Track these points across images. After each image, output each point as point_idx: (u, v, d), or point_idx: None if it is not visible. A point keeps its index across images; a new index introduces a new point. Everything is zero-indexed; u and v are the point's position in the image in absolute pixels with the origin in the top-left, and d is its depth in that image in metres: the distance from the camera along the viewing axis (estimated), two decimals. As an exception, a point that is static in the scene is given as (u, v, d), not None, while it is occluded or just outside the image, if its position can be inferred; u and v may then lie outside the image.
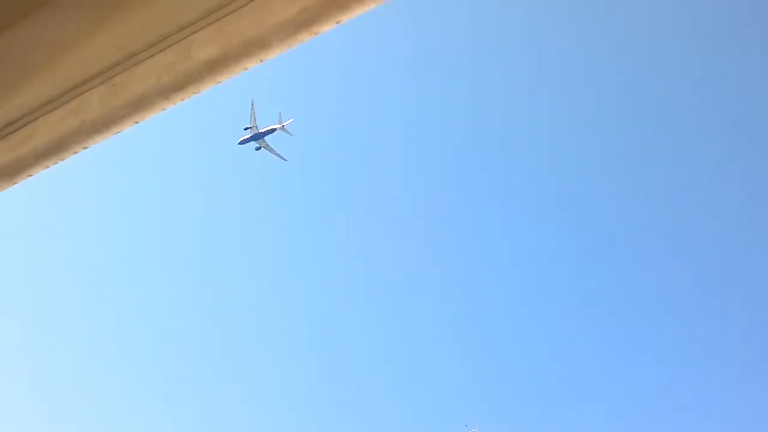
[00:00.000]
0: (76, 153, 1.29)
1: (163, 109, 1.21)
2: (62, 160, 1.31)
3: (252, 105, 44.88)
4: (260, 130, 45.99)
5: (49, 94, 1.31)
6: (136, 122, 1.23)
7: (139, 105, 1.22)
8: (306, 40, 1.20)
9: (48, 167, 1.32)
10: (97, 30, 1.29)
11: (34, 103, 1.32)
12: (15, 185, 1.38)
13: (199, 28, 1.25)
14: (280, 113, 46.70)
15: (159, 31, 1.24)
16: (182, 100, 1.22)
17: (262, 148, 46.99)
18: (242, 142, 47.54)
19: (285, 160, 48.01)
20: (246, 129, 45.98)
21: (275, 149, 47.25)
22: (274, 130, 46.30)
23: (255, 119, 45.72)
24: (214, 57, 1.23)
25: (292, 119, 47.99)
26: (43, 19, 1.38)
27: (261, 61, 1.25)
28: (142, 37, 1.25)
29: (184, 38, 1.24)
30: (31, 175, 1.34)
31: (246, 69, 1.25)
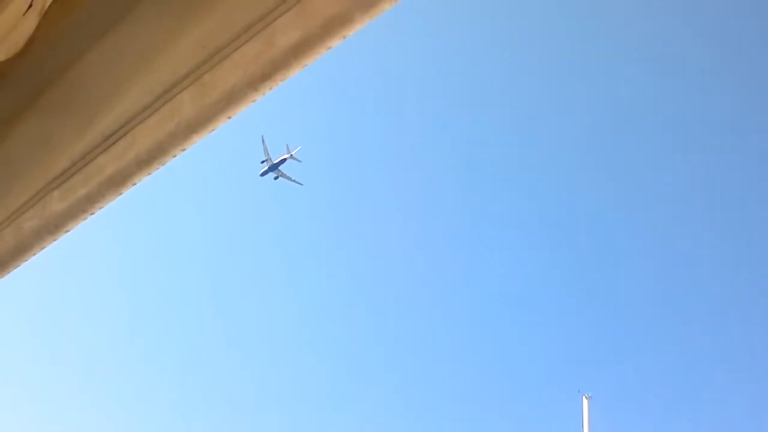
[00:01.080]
0: (175, 156, 1.32)
1: (254, 101, 1.22)
2: (163, 164, 1.34)
3: (263, 140, 50.99)
4: (274, 162, 52.03)
5: (142, 101, 1.34)
6: (229, 117, 1.25)
7: (230, 100, 1.24)
8: (387, 9, 1.18)
9: (150, 173, 1.36)
10: (180, 32, 1.32)
11: (129, 112, 1.36)
12: (121, 195, 1.43)
13: (280, 14, 1.26)
14: (287, 145, 52.39)
15: (241, 24, 1.26)
16: (270, 88, 1.23)
17: (280, 177, 52.95)
18: (263, 174, 53.25)
19: (301, 184, 53.98)
20: (262, 162, 51.99)
21: (291, 176, 53.23)
22: (285, 159, 51.97)
23: (268, 152, 51.65)
24: (297, 41, 1.24)
25: (299, 147, 53.02)
26: (127, 30, 1.42)
27: (344, 37, 1.25)
28: (224, 32, 1.27)
29: (267, 26, 1.25)
30: (135, 184, 1.38)
31: (330, 48, 1.25)
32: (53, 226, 1.49)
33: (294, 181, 53.61)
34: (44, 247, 1.54)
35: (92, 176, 1.39)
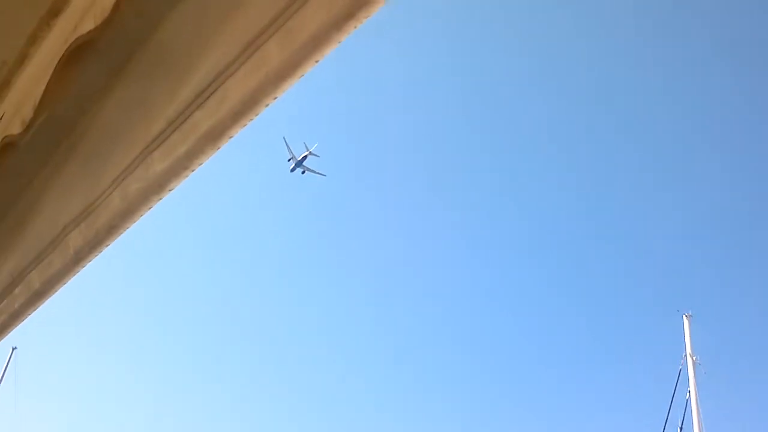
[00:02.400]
0: (267, 105, 1.33)
1: (339, 41, 1.21)
2: (256, 114, 1.35)
3: (285, 141, 57.01)
4: (298, 158, 57.79)
5: (230, 55, 1.35)
6: (316, 61, 1.25)
7: (316, 43, 1.22)
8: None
9: (245, 125, 1.37)
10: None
11: (218, 67, 1.37)
12: (219, 149, 1.46)
13: None
14: (304, 143, 57.80)
15: None
16: (354, 27, 1.21)
17: (306, 171, 58.97)
18: (292, 170, 59.43)
19: (324, 175, 59.78)
20: (289, 160, 58.02)
21: (315, 169, 59.10)
22: (306, 156, 57.55)
23: (291, 151, 57.55)
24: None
25: (316, 143, 58.51)
26: None
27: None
28: None
29: None
30: (231, 137, 1.40)
31: None
32: (158, 186, 1.54)
33: (318, 173, 59.43)
34: (151, 207, 1.60)
35: (189, 133, 1.42)
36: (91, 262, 1.80)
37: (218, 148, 1.42)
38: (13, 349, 42.77)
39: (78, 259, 1.80)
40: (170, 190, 1.54)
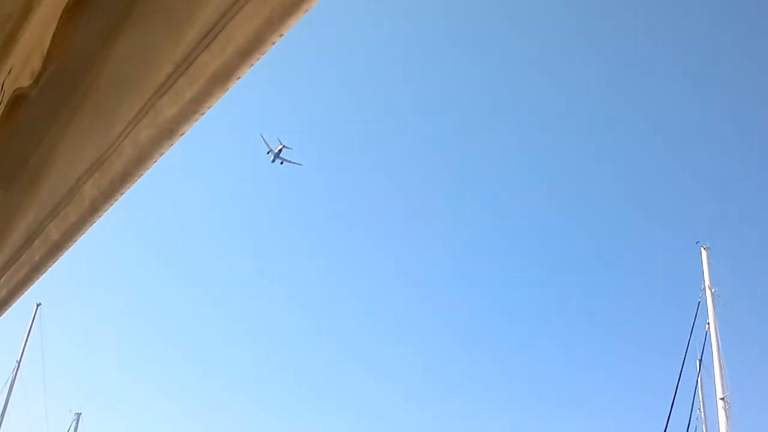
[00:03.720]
0: (273, 43, 1.30)
1: None
2: (263, 54, 1.33)
3: (262, 137, 63.98)
4: (275, 151, 64.85)
5: None
6: None
7: None
8: None
9: (252, 65, 1.35)
10: None
11: (223, 5, 1.34)
12: (227, 91, 1.44)
13: None
14: (278, 138, 65.02)
15: None
16: None
17: (284, 162, 66.10)
18: (272, 161, 66.52)
19: (300, 164, 67.22)
20: (268, 153, 64.98)
21: (292, 159, 66.50)
22: (281, 149, 64.56)
23: (269, 145, 64.38)
24: None
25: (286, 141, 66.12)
26: None
27: None
28: None
29: None
30: (239, 77, 1.38)
31: None
32: (168, 131, 1.53)
33: (295, 162, 66.96)
34: (163, 153, 1.60)
35: (197, 76, 1.41)
36: (107, 212, 1.82)
37: (227, 89, 1.40)
38: (37, 305, 43.80)
39: (94, 209, 1.81)
40: (181, 135, 1.53)
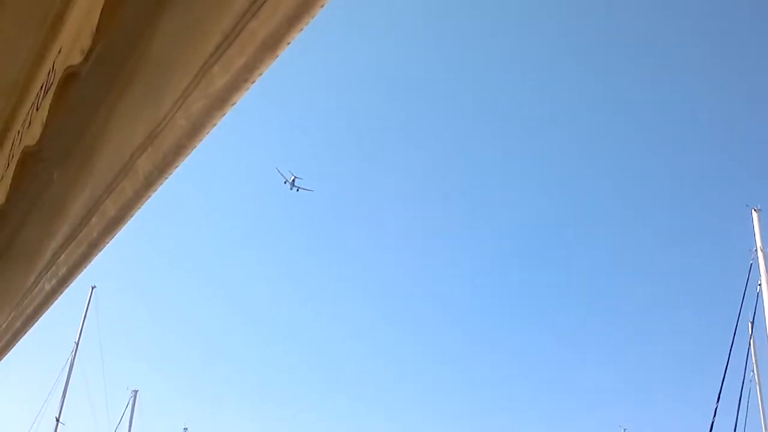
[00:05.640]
0: (322, 6, 1.30)
1: None
2: (312, 17, 1.32)
3: (278, 170, 74.54)
4: (290, 180, 75.32)
5: None
6: None
7: None
8: None
9: (301, 29, 1.34)
10: None
11: None
12: (277, 58, 1.44)
13: None
14: (289, 171, 75.25)
15: None
16: None
17: (299, 189, 76.47)
18: (290, 189, 77.02)
19: (312, 190, 77.55)
20: (284, 183, 75.40)
21: (305, 186, 76.65)
22: (294, 179, 75.12)
23: (284, 176, 74.79)
24: None
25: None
26: None
27: None
28: None
29: None
30: (288, 43, 1.37)
31: None
32: (220, 102, 1.53)
33: (307, 189, 77.63)
34: (215, 124, 1.60)
35: (246, 44, 1.41)
36: (162, 185, 1.84)
37: (277, 56, 1.40)
38: (92, 287, 44.88)
39: (149, 183, 1.83)
40: (233, 105, 1.54)
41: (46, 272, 2.48)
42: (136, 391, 51.52)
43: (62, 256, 2.36)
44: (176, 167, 1.76)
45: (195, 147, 1.68)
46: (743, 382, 29.52)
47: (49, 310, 2.68)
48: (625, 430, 46.30)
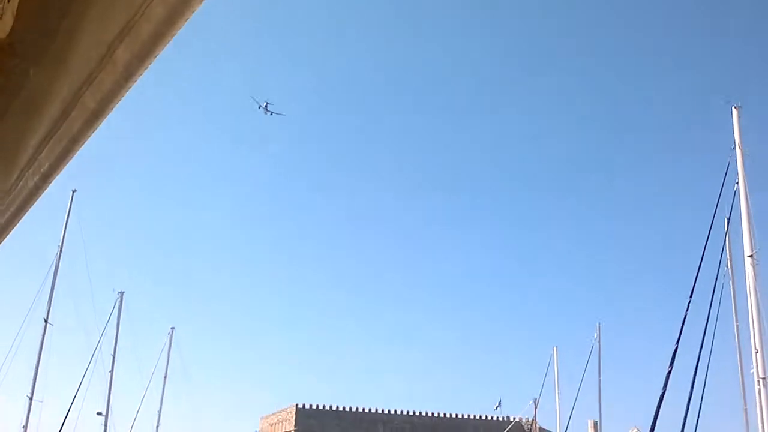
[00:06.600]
0: None
1: None
2: None
3: (252, 97, 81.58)
4: (263, 106, 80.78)
5: None
6: None
7: None
8: None
9: None
10: None
11: None
12: None
13: None
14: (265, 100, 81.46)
15: None
16: None
17: (272, 113, 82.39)
18: (265, 113, 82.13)
19: (284, 114, 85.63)
20: (259, 108, 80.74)
21: (277, 111, 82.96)
22: (267, 104, 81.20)
23: (257, 102, 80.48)
24: None
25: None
26: None
27: None
28: None
29: None
30: None
31: None
32: None
33: (279, 113, 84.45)
34: (195, 9, 1.57)
35: None
36: (142, 76, 1.82)
37: None
38: (73, 191, 44.75)
39: (128, 74, 1.81)
40: None
41: (29, 169, 2.47)
42: (122, 293, 52.30)
43: (44, 152, 2.35)
44: (156, 56, 1.73)
45: (174, 35, 1.65)
46: (716, 278, 30.43)
47: (32, 210, 2.69)
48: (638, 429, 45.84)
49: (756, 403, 28.22)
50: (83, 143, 2.20)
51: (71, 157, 2.29)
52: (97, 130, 2.13)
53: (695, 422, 30.75)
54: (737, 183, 30.66)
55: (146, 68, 1.78)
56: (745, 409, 30.76)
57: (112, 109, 1.99)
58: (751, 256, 29.54)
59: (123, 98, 1.93)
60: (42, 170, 2.42)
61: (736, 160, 31.04)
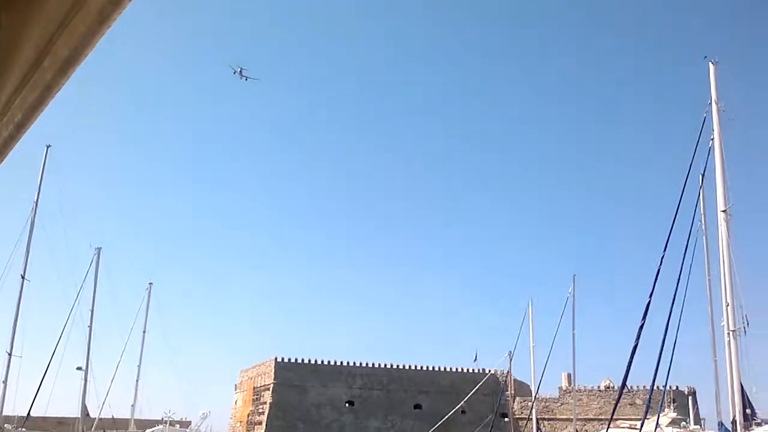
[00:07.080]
0: None
1: None
2: None
3: (230, 66, 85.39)
4: (238, 71, 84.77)
5: None
6: None
7: None
8: None
9: None
10: None
11: None
12: None
13: None
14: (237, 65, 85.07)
15: None
16: None
17: (247, 78, 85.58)
18: (240, 78, 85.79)
19: (259, 79, 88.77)
20: (234, 73, 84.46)
21: (252, 76, 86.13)
22: (242, 70, 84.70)
23: (233, 68, 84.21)
24: None
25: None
26: None
27: None
28: None
29: None
30: None
31: None
32: None
33: (254, 78, 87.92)
34: None
35: None
36: (116, 21, 1.79)
37: None
38: (47, 146, 44.15)
39: (102, 18, 1.78)
40: None
41: (2, 118, 2.44)
42: (99, 249, 52.01)
43: (17, 101, 2.32)
44: (131, 0, 1.71)
45: None
46: (690, 232, 30.86)
47: (8, 167, 2.66)
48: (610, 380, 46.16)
49: (726, 354, 28.92)
50: (57, 92, 2.17)
51: (45, 106, 2.26)
52: (70, 78, 2.10)
53: (666, 374, 31.54)
54: (712, 139, 30.87)
55: (121, 13, 1.75)
56: (715, 361, 31.51)
57: (86, 56, 1.96)
58: (724, 211, 29.93)
59: (97, 45, 1.90)
60: (16, 119, 2.39)
61: (711, 115, 31.21)
